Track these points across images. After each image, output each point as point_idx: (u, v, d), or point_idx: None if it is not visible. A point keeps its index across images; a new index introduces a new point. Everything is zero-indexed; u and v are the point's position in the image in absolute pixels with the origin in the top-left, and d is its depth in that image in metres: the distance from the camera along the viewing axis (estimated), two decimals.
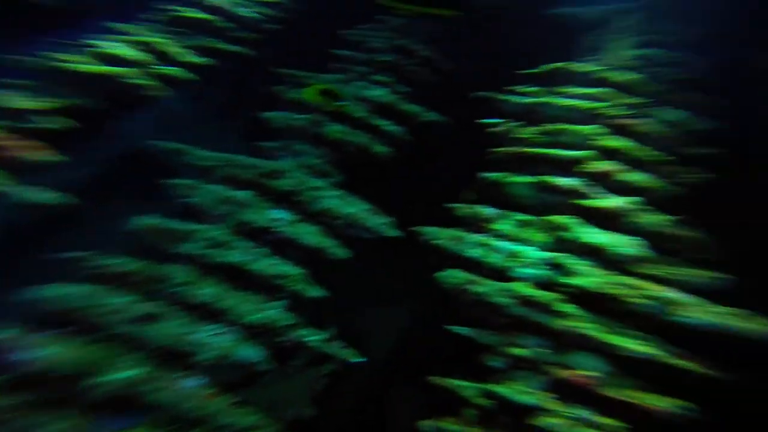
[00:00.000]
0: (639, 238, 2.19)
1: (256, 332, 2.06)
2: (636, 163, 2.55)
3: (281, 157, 2.88)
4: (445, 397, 1.80)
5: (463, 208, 2.31)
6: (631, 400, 1.70)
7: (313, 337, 2.08)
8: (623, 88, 2.92)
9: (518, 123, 2.73)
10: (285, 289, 2.26)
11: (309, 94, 2.99)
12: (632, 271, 2.11)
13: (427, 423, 1.74)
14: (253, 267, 2.25)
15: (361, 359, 2.00)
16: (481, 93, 3.07)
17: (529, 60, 3.21)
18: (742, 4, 4.12)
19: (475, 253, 2.08)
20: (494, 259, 2.07)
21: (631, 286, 2.00)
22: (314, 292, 2.24)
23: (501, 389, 1.76)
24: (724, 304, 1.90)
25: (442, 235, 2.17)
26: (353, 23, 3.99)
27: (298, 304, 2.20)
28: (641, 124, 2.71)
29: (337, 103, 2.95)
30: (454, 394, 1.79)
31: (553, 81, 3.01)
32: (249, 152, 2.82)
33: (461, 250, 2.09)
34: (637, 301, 1.95)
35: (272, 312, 2.13)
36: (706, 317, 1.87)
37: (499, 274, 2.04)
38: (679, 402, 1.66)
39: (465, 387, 1.80)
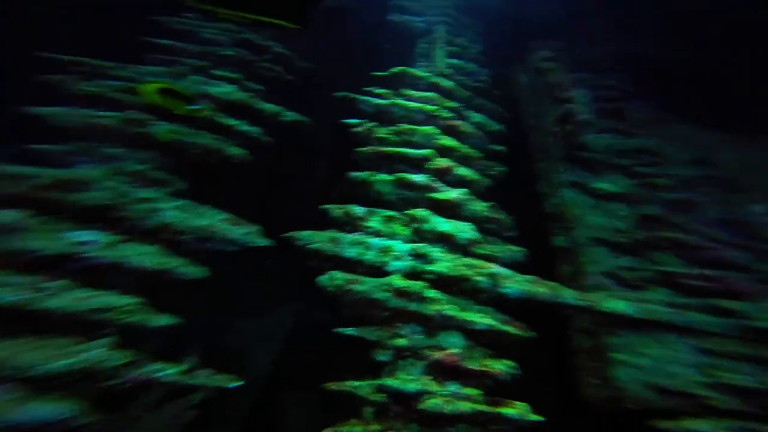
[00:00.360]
0: (470, 223, 2.58)
1: (64, 382, 1.65)
2: (462, 159, 2.98)
3: (79, 163, 2.18)
4: (342, 400, 1.75)
5: (335, 209, 2.24)
6: (483, 368, 1.98)
7: (167, 371, 1.73)
8: (445, 93, 3.34)
9: (374, 123, 2.79)
10: (114, 324, 1.78)
11: (147, 94, 2.31)
12: (470, 252, 2.49)
13: (327, 430, 1.66)
14: (46, 305, 1.75)
15: (237, 382, 1.74)
16: (341, 93, 3.04)
17: (378, 63, 3.31)
18: (502, 24, 5.26)
19: (352, 252, 2.06)
20: (370, 256, 2.09)
21: (471, 266, 2.35)
22: (161, 320, 1.83)
23: (390, 381, 1.82)
24: (525, 273, 2.37)
25: (317, 238, 2.05)
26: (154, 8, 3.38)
27: (140, 337, 1.75)
28: (461, 125, 3.17)
29: (191, 107, 2.38)
30: (350, 395, 1.76)
31: (398, 84, 3.19)
32: (10, 159, 2.09)
33: (339, 251, 2.03)
34: (476, 278, 2.30)
35: (92, 353, 1.73)
36: (517, 286, 2.31)
37: (376, 270, 2.08)
38: (510, 363, 2.01)
39: (359, 386, 1.79)
